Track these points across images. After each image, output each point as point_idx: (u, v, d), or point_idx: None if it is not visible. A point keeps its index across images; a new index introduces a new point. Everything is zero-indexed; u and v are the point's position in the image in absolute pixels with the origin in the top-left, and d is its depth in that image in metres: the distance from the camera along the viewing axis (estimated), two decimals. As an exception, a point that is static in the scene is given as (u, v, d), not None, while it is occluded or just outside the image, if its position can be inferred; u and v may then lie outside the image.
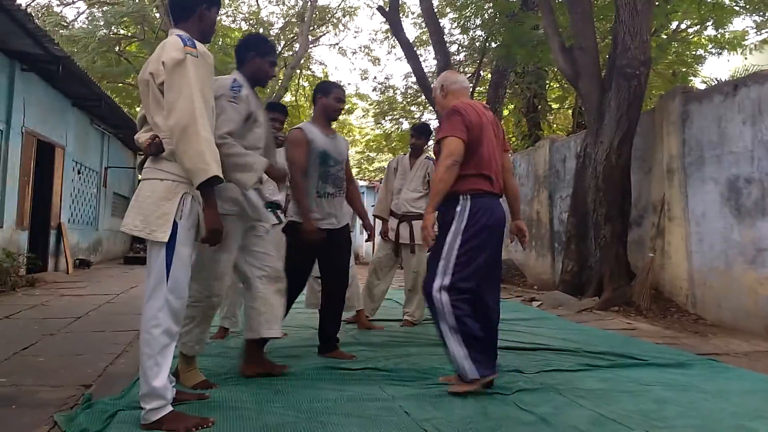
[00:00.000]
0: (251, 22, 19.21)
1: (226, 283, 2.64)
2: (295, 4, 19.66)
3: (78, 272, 9.27)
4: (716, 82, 8.21)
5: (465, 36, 13.04)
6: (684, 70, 11.33)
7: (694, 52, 11.47)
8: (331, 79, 21.27)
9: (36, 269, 7.84)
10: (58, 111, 9.03)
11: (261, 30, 18.60)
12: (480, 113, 2.74)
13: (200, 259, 2.48)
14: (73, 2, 17.72)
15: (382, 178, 6.07)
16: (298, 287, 3.25)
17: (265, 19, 19.76)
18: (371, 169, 23.03)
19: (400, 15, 11.32)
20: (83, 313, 4.79)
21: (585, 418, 2.25)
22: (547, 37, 7.20)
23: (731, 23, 10.22)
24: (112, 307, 5.29)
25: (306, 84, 20.64)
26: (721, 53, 11.22)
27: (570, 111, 13.74)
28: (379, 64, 30.70)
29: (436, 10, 11.30)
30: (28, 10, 7.42)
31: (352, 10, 20.61)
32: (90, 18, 16.54)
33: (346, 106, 8.12)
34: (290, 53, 19.36)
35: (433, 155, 3.47)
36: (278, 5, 24.81)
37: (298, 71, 19.53)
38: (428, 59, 16.53)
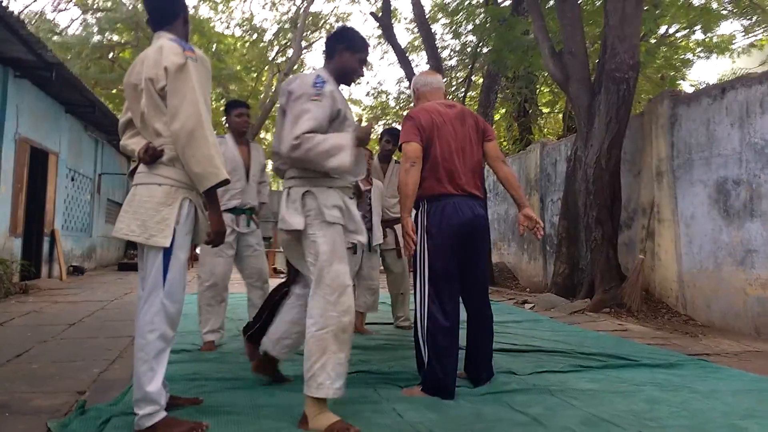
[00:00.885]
0: (245, 27, 19.24)
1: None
2: (288, 10, 19.75)
3: (72, 279, 9.22)
4: (704, 86, 8.31)
5: (457, 41, 13.12)
6: (672, 73, 11.46)
7: (682, 56, 11.59)
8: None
9: (29, 276, 7.79)
10: (52, 118, 9.00)
11: (255, 36, 18.62)
12: (434, 113, 2.72)
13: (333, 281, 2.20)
14: (67, 9, 17.69)
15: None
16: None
17: (258, 25, 19.82)
18: (365, 172, 22.97)
19: (392, 21, 11.39)
20: (77, 320, 4.78)
21: (578, 418, 2.27)
22: (537, 42, 7.26)
23: (719, 27, 10.38)
24: (105, 313, 5.27)
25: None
26: (709, 57, 11.35)
27: (560, 115, 13.84)
28: (372, 69, 30.85)
29: (428, 15, 11.37)
30: (21, 16, 7.42)
31: (345, 15, 20.73)
32: (83, 24, 16.53)
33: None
34: (283, 59, 19.40)
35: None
36: (272, 11, 24.83)
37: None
38: (420, 65, 16.61)
